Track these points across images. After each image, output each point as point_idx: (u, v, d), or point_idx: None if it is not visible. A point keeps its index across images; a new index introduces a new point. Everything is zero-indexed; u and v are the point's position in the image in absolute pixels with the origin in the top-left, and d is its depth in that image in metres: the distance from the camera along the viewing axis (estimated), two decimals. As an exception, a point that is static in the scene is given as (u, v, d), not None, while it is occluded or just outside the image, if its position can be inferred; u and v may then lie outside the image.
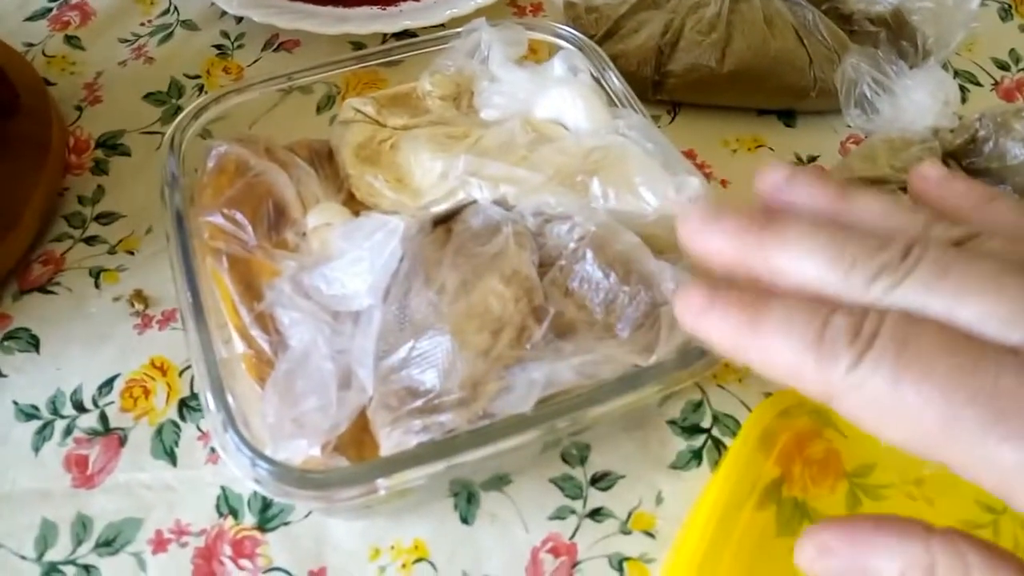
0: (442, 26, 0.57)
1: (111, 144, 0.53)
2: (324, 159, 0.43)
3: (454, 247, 0.38)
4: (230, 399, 0.33)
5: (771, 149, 0.53)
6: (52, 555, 0.38)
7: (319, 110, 0.54)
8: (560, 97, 0.42)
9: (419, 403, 0.34)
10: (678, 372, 0.34)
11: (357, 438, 0.35)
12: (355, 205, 0.42)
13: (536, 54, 0.50)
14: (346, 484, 0.31)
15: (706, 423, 0.42)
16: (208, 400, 0.33)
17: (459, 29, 0.46)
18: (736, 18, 0.53)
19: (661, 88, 0.54)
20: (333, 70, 0.47)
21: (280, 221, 0.40)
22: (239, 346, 0.36)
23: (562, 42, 0.45)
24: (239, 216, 0.38)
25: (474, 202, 0.39)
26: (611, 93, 0.43)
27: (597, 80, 0.43)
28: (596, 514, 0.39)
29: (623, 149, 0.41)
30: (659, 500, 0.40)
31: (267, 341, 0.36)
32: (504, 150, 0.41)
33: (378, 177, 0.41)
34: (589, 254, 0.36)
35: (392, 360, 0.35)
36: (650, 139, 0.41)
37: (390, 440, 0.34)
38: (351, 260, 0.37)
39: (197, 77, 0.56)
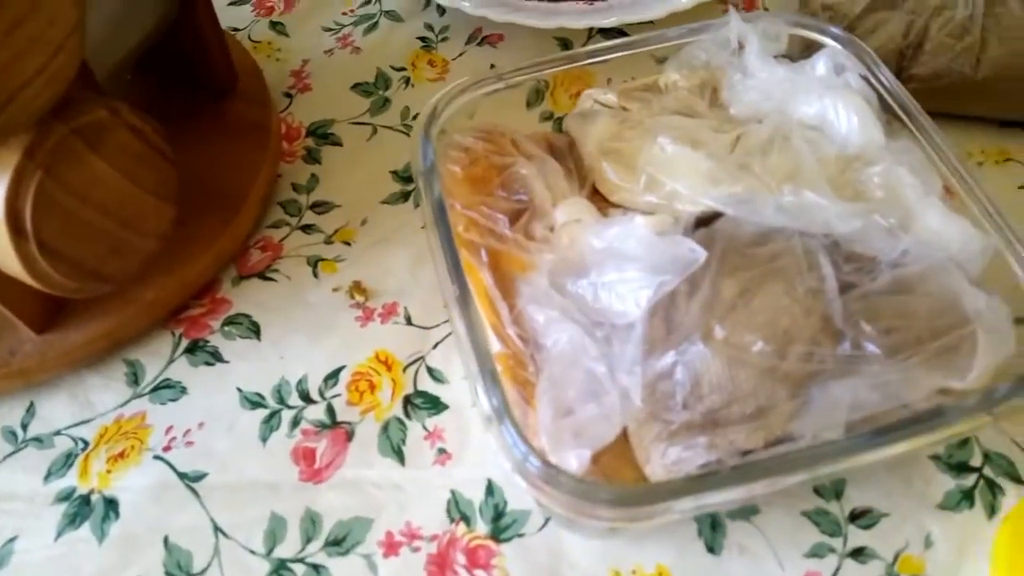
0: (651, 23, 0.54)
1: (322, 133, 0.52)
2: (565, 152, 0.41)
3: (723, 251, 0.35)
4: (506, 390, 0.31)
5: (1021, 163, 0.49)
6: (281, 551, 0.36)
7: (529, 105, 0.52)
8: (831, 106, 0.39)
9: (698, 418, 0.31)
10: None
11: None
12: (598, 200, 0.40)
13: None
14: (640, 503, 0.29)
15: (975, 462, 0.38)
16: (481, 391, 0.31)
17: (692, 24, 0.43)
18: (991, 22, 0.48)
19: (900, 94, 0.50)
20: (557, 67, 0.44)
21: (531, 214, 0.37)
22: (495, 345, 0.34)
23: (826, 39, 0.41)
24: (495, 210, 0.36)
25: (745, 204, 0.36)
26: (887, 96, 0.39)
27: (866, 80, 0.40)
28: (858, 554, 0.35)
29: (897, 179, 0.38)
30: (928, 543, 0.36)
31: (523, 341, 0.34)
32: (770, 152, 0.38)
33: (628, 175, 0.39)
34: (888, 279, 0.33)
35: (658, 367, 0.32)
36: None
37: (667, 457, 0.31)
38: (623, 278, 0.34)
39: (403, 69, 0.55)
